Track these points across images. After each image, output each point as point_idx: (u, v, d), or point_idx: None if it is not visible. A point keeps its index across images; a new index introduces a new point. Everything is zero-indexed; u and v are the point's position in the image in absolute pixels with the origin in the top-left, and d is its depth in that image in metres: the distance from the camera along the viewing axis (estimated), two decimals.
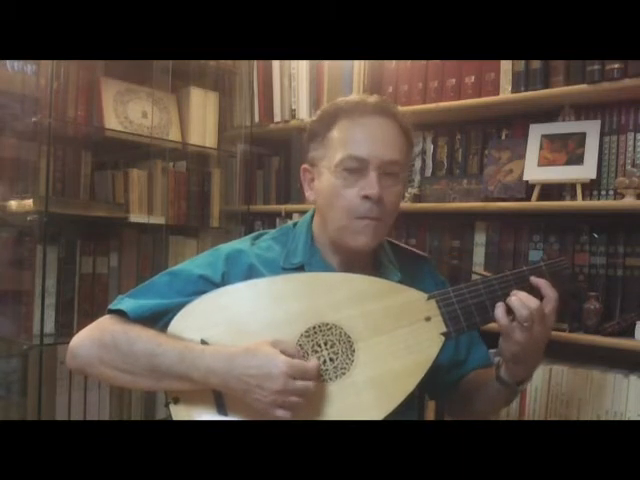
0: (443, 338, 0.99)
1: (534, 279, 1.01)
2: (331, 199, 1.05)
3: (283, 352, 0.92)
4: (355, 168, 1.03)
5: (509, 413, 1.55)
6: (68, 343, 1.04)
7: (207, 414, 0.97)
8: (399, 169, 1.06)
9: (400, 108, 1.74)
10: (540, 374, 1.49)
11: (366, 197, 1.02)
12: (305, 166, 1.13)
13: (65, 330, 1.75)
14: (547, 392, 1.49)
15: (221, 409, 0.97)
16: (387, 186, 1.04)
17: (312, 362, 0.93)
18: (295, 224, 1.18)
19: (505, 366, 1.03)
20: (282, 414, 0.90)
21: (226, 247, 1.12)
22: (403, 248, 1.23)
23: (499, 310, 0.98)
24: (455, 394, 1.19)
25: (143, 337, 0.98)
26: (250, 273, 1.07)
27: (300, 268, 1.09)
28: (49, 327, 1.73)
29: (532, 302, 0.96)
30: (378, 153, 1.03)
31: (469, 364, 1.18)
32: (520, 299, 0.97)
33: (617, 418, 1.39)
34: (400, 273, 1.12)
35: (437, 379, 1.15)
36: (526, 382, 1.06)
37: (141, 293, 1.07)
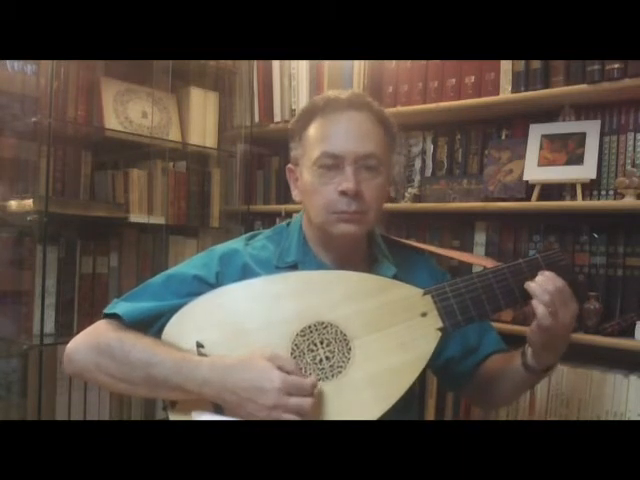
0: (440, 333, 0.99)
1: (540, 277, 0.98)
2: (311, 196, 1.06)
3: (280, 368, 0.91)
4: (331, 164, 1.03)
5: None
6: (68, 343, 1.04)
7: (205, 416, 0.96)
8: (377, 162, 1.04)
9: (400, 108, 1.77)
10: None
11: (343, 192, 1.02)
12: (290, 166, 1.14)
13: (65, 330, 1.75)
14: (547, 392, 1.49)
15: (219, 412, 0.96)
16: (365, 179, 1.03)
17: (309, 378, 0.91)
18: (289, 223, 1.18)
19: (533, 354, 1.01)
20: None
21: (220, 247, 1.12)
22: (400, 243, 1.23)
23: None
24: (475, 382, 1.18)
25: (138, 346, 0.98)
26: (244, 273, 1.07)
27: (294, 267, 1.09)
28: (49, 327, 1.73)
29: (551, 285, 0.96)
30: (352, 147, 1.03)
31: (482, 350, 1.17)
32: (539, 284, 0.96)
33: (617, 418, 1.39)
34: (395, 268, 1.12)
35: (451, 370, 1.16)
36: (553, 368, 1.05)
37: (136, 296, 1.07)
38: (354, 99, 1.07)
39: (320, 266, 1.10)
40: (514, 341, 1.23)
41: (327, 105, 1.06)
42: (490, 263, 1.09)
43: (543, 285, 0.96)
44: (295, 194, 1.13)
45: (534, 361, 1.02)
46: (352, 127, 1.04)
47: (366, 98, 1.09)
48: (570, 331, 0.99)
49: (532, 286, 0.97)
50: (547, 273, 0.98)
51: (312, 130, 1.07)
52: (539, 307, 0.95)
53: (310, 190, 1.06)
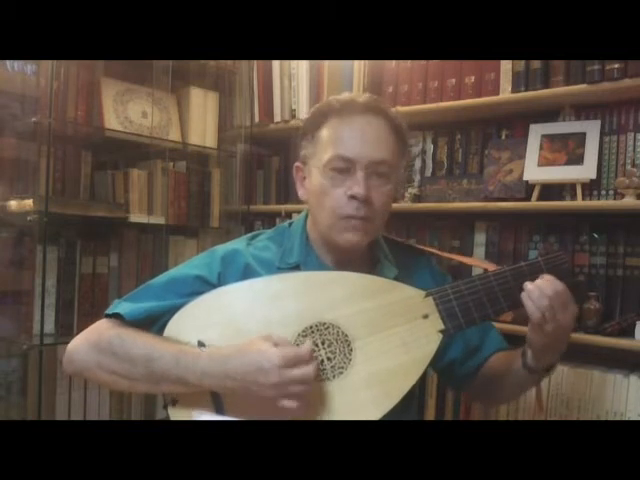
0: (441, 335, 0.99)
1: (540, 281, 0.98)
2: (320, 198, 1.05)
3: (277, 344, 0.91)
4: (343, 168, 1.03)
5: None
6: (68, 343, 1.04)
7: (205, 416, 0.96)
8: (388, 169, 1.04)
9: (400, 108, 1.77)
10: None
11: (352, 197, 1.02)
12: (298, 164, 1.13)
13: (65, 330, 1.75)
14: (547, 392, 1.49)
15: (219, 411, 0.97)
16: (376, 186, 1.03)
17: (304, 346, 0.92)
18: (291, 224, 1.18)
19: (533, 354, 1.01)
20: (289, 404, 0.89)
21: (222, 248, 1.12)
22: (402, 244, 1.23)
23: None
24: (478, 381, 1.18)
25: (139, 342, 0.98)
26: (246, 273, 1.07)
27: (296, 268, 1.09)
28: (49, 327, 1.73)
29: (549, 290, 0.95)
30: (366, 153, 1.02)
31: (485, 351, 1.17)
32: (538, 287, 0.95)
33: (617, 418, 1.39)
34: (396, 269, 1.12)
35: (455, 372, 1.16)
36: (554, 367, 1.06)
37: (138, 296, 1.07)
38: (371, 103, 1.06)
39: (322, 267, 1.10)
40: (514, 341, 1.23)
41: (343, 107, 1.05)
42: (491, 266, 1.09)
43: (542, 288, 0.95)
44: (301, 193, 1.13)
45: (534, 361, 1.02)
46: (367, 132, 1.04)
47: (383, 104, 1.08)
48: (569, 332, 0.99)
49: (530, 289, 0.96)
50: (546, 276, 0.97)
51: (325, 131, 1.06)
52: (532, 310, 0.95)
53: (319, 192, 1.05)
